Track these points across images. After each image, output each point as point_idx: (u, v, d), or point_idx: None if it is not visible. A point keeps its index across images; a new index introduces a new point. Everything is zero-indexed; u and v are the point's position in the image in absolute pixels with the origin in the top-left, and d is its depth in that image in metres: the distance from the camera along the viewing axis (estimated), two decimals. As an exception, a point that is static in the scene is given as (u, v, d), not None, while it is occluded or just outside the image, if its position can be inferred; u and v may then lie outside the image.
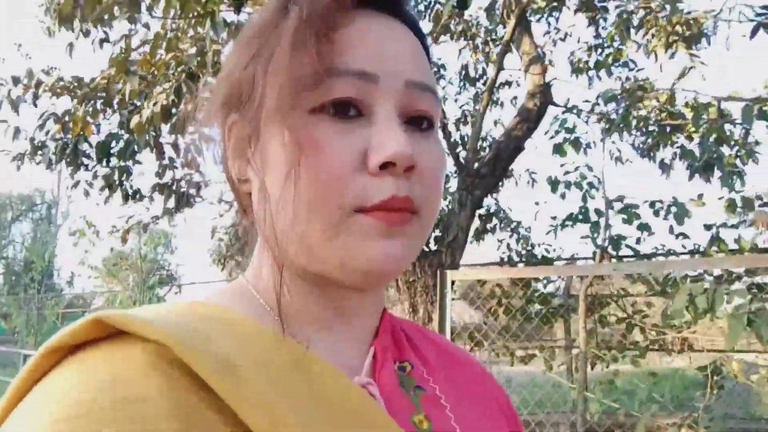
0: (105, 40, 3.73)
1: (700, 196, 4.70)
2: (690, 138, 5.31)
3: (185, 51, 3.45)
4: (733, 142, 4.85)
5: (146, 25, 3.62)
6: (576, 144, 5.71)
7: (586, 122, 5.51)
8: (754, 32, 4.28)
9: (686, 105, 4.68)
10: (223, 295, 0.50)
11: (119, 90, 3.50)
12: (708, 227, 4.67)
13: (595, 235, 5.28)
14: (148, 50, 3.38)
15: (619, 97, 4.96)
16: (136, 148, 4.49)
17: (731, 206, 4.79)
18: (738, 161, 5.24)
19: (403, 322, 0.60)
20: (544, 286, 5.83)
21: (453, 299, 3.13)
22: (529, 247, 6.36)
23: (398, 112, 0.45)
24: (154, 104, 3.25)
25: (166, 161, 4.88)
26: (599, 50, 6.16)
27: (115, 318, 0.39)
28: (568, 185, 5.72)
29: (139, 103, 3.67)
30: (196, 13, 3.14)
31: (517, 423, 0.59)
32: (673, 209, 4.72)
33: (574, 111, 5.15)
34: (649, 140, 5.37)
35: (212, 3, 3.10)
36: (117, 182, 4.88)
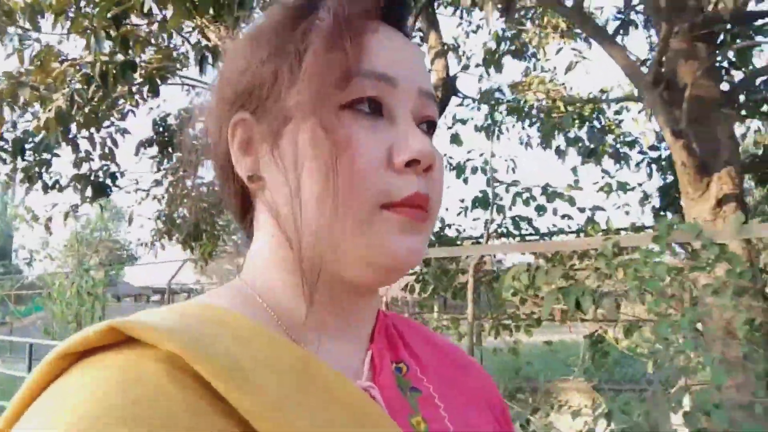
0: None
1: (576, 181, 5.14)
2: (580, 127, 5.77)
3: (81, 59, 3.75)
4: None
5: (38, 40, 3.90)
6: (487, 131, 6.12)
7: (487, 110, 5.92)
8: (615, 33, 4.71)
9: (561, 99, 5.10)
10: (227, 298, 0.49)
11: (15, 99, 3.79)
12: (582, 210, 5.13)
13: (495, 216, 5.72)
14: (41, 62, 3.66)
15: (510, 88, 5.35)
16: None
17: (608, 190, 5.26)
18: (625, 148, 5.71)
19: (394, 317, 0.61)
20: (457, 264, 6.27)
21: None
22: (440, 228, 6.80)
23: (413, 115, 0.48)
24: (50, 110, 3.56)
25: (82, 154, 5.18)
26: (506, 42, 6.53)
27: (128, 325, 0.39)
28: (474, 170, 6.13)
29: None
30: (83, 30, 3.43)
31: (504, 412, 0.61)
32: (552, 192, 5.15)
33: (467, 102, 5.55)
34: (541, 128, 5.80)
35: (98, 19, 3.39)
36: (37, 174, 5.15)
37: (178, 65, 4.88)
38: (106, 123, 5.26)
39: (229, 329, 0.43)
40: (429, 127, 0.51)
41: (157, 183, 6.18)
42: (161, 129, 5.77)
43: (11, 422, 0.37)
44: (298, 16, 0.48)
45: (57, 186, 5.17)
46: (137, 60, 3.64)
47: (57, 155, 5.20)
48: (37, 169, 5.15)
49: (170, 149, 5.78)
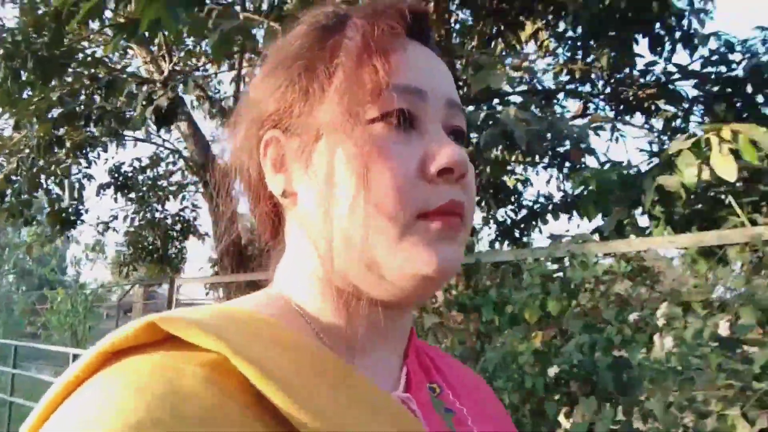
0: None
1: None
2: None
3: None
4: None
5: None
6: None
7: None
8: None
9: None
10: (269, 307, 0.49)
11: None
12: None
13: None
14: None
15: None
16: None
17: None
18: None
19: (424, 344, 0.62)
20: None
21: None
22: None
23: (442, 126, 0.49)
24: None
25: (53, 196, 6.80)
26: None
27: (171, 323, 0.39)
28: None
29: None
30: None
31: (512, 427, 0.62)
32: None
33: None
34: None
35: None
36: (19, 211, 6.78)
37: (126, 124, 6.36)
38: (75, 170, 6.88)
39: (273, 336, 0.44)
40: (457, 137, 0.51)
41: (114, 218, 7.90)
42: (117, 175, 7.42)
43: (43, 418, 0.37)
44: (325, 36, 0.50)
45: (35, 221, 6.80)
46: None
47: (35, 196, 6.82)
48: (20, 207, 6.77)
49: (125, 191, 7.41)
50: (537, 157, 5.14)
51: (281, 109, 0.50)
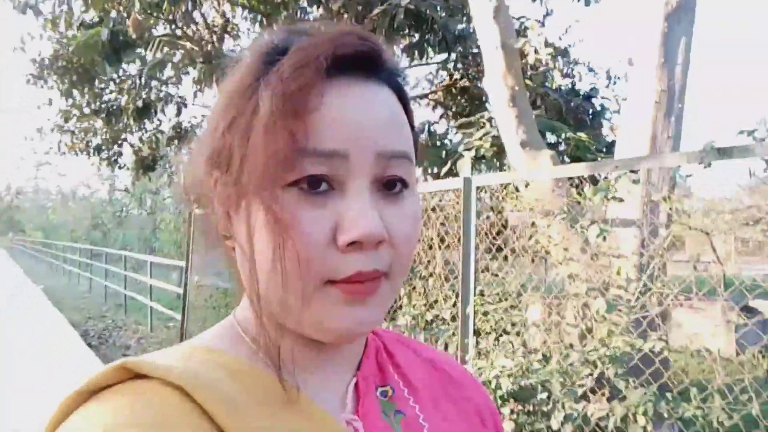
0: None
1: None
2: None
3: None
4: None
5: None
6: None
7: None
8: None
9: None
10: (221, 340, 0.52)
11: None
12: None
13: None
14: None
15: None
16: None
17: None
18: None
19: (385, 335, 0.63)
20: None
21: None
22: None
23: (371, 180, 0.46)
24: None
25: (136, 148, 9.67)
26: None
27: (141, 364, 0.44)
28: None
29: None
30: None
31: (495, 419, 0.63)
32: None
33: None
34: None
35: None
36: (114, 161, 9.72)
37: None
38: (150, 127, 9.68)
39: (226, 369, 0.47)
40: (395, 185, 0.48)
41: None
42: (179, 130, 10.15)
43: None
44: (250, 84, 0.47)
45: (125, 166, 9.80)
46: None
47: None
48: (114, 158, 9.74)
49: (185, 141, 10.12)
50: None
51: (223, 151, 0.48)
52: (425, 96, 9.13)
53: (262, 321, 0.48)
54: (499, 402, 2.74)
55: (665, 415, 2.22)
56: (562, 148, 4.68)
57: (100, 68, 6.96)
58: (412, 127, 0.52)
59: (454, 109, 8.20)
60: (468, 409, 0.61)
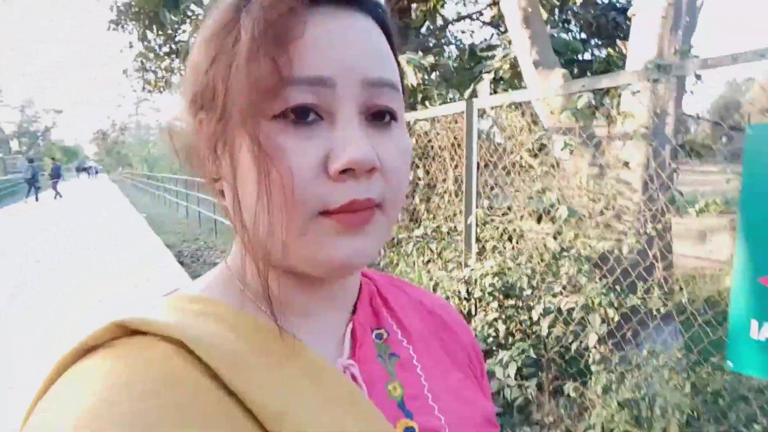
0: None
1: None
2: None
3: None
4: None
5: None
6: None
7: None
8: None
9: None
10: (213, 289, 0.52)
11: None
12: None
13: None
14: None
15: None
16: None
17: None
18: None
19: (378, 279, 0.64)
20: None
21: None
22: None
23: (359, 110, 0.45)
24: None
25: None
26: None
27: (135, 321, 0.44)
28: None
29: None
30: None
31: (479, 358, 0.66)
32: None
33: None
34: None
35: None
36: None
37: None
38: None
39: (223, 321, 0.47)
40: (383, 116, 0.47)
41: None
42: None
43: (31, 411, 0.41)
44: (231, 19, 0.46)
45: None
46: None
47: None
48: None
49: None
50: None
51: (207, 88, 0.46)
52: (479, 13, 9.05)
53: (256, 265, 0.47)
54: (490, 298, 3.17)
55: (615, 305, 2.56)
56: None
57: (162, 14, 7.46)
58: (398, 62, 0.52)
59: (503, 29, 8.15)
60: (457, 349, 0.63)
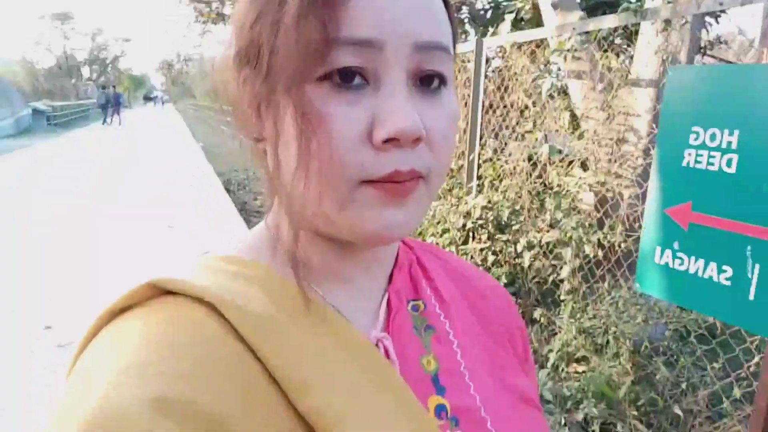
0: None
1: None
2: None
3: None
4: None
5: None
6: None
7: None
8: None
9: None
10: (251, 250, 0.52)
11: None
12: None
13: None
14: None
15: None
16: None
17: None
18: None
19: (417, 247, 0.62)
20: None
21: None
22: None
23: (407, 75, 0.44)
24: None
25: None
26: None
27: (170, 282, 0.44)
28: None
29: None
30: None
31: (522, 333, 0.64)
32: None
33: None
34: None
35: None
36: None
37: None
38: None
39: (257, 283, 0.47)
40: (432, 81, 0.45)
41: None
42: None
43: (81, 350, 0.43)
44: None
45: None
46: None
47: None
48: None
49: None
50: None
51: (252, 45, 0.45)
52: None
53: (294, 231, 0.47)
54: (482, 230, 3.39)
55: (584, 240, 2.74)
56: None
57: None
58: (452, 21, 0.49)
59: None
60: (497, 325, 0.61)
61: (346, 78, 0.42)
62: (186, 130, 24.96)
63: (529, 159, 3.26)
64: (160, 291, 0.44)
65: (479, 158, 3.62)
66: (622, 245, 2.64)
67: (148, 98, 77.13)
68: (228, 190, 8.94)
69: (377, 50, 0.42)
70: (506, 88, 3.55)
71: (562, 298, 2.87)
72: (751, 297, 1.64)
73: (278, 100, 0.43)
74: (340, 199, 0.44)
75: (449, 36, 0.47)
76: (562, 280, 2.92)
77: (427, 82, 0.45)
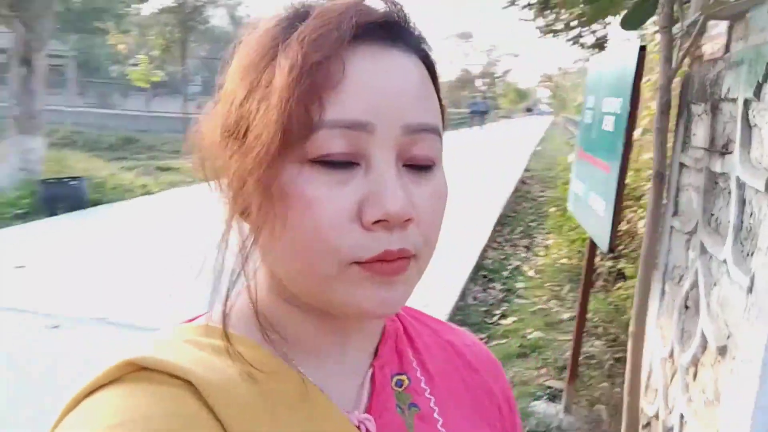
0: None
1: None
2: None
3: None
4: None
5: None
6: None
7: None
8: None
9: None
10: (236, 319, 0.50)
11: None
12: None
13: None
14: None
15: None
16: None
17: None
18: None
19: (405, 314, 0.62)
20: None
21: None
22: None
23: (397, 157, 0.44)
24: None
25: None
26: None
27: (147, 360, 0.42)
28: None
29: None
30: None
31: (509, 401, 0.63)
32: None
33: None
34: None
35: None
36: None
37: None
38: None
39: (240, 362, 0.46)
40: (421, 167, 0.46)
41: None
42: None
43: None
44: (269, 49, 0.44)
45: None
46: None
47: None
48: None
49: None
50: None
51: (240, 122, 0.45)
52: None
53: (280, 292, 0.48)
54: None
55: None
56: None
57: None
58: (440, 99, 0.49)
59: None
60: (484, 398, 0.60)
61: (334, 161, 0.42)
62: (534, 141, 25.46)
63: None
64: (138, 366, 0.43)
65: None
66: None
67: (528, 110, 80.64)
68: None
69: (368, 133, 0.42)
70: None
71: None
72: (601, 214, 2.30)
73: (264, 178, 0.43)
74: (328, 279, 0.44)
75: (438, 116, 0.47)
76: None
77: (414, 167, 0.46)
